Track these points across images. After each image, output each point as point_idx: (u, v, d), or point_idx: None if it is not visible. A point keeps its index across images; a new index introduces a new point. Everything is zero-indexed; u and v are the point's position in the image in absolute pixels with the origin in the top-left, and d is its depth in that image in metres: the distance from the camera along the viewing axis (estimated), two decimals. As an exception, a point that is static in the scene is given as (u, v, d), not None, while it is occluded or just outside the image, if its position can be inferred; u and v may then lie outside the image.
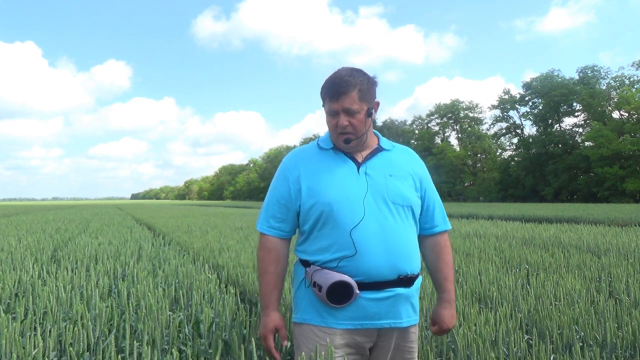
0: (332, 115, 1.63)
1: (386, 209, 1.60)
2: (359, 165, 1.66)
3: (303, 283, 1.66)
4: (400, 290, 1.62)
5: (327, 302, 1.56)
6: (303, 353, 1.60)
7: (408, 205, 1.65)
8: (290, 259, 1.95)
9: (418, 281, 1.69)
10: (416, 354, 1.73)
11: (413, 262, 1.65)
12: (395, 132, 67.05)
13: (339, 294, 1.55)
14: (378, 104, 1.69)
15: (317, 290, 1.58)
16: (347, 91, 1.58)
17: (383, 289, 1.59)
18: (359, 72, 1.64)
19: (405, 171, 1.70)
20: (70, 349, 2.12)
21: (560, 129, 52.76)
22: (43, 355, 2.21)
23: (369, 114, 1.63)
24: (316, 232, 1.63)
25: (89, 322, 2.56)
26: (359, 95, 1.60)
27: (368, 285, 1.58)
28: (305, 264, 1.67)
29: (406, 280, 1.62)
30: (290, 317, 1.94)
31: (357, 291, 1.56)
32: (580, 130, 50.96)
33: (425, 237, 1.77)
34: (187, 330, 2.90)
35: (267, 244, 1.70)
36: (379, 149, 1.71)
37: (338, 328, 1.59)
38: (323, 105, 1.66)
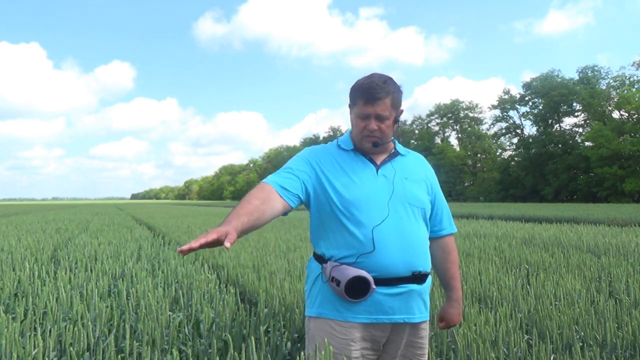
0: (362, 118, 1.70)
1: (402, 210, 1.69)
2: (377, 167, 1.74)
3: (319, 278, 1.71)
4: (414, 286, 1.69)
5: (344, 296, 1.61)
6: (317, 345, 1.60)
7: (422, 207, 1.74)
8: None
9: (429, 279, 1.77)
10: (426, 350, 1.80)
11: (426, 260, 1.73)
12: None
13: (357, 289, 1.61)
14: (402, 111, 1.78)
15: (335, 285, 1.63)
16: (382, 97, 1.66)
17: (397, 285, 1.66)
18: (391, 80, 1.72)
19: (418, 176, 1.80)
20: (70, 349, 2.12)
21: (560, 129, 52.74)
22: (43, 355, 2.21)
23: (396, 121, 1.73)
24: (335, 227, 1.69)
25: (89, 322, 2.56)
26: (391, 102, 1.69)
27: (383, 281, 1.65)
28: (321, 259, 1.72)
29: (419, 277, 1.70)
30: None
31: (374, 286, 1.63)
32: (580, 130, 50.95)
33: (433, 239, 1.85)
34: (187, 330, 2.90)
35: (264, 186, 1.63)
36: (396, 154, 1.80)
37: (355, 322, 1.66)
38: (351, 106, 1.74)
